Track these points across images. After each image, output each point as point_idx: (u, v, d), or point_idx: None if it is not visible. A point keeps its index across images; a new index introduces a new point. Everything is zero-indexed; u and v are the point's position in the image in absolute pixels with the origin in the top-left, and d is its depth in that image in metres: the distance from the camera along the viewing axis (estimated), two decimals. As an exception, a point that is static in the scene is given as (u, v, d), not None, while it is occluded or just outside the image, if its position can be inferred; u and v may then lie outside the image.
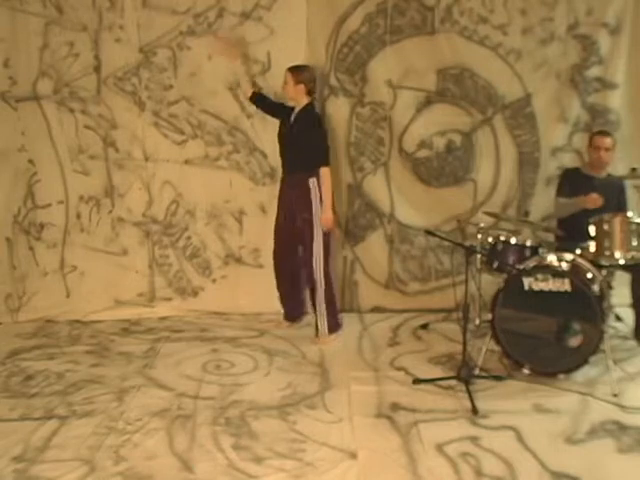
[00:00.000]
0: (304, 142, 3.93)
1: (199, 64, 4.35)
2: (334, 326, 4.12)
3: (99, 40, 4.31)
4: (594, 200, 3.78)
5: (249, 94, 4.26)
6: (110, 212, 4.56)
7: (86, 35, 4.30)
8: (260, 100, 4.26)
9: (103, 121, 4.43)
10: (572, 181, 4.10)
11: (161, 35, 4.32)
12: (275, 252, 4.24)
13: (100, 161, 4.49)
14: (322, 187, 3.92)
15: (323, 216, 3.94)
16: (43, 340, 4.20)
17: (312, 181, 3.93)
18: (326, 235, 4.01)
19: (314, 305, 4.11)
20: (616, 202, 3.98)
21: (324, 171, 3.93)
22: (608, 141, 3.99)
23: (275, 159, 4.38)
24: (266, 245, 4.50)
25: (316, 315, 4.09)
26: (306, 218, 3.97)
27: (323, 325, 4.07)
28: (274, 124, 4.28)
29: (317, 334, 4.09)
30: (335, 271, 4.32)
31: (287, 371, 3.64)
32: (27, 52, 4.31)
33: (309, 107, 4.03)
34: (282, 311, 4.38)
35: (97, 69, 4.36)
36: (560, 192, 4.20)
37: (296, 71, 3.99)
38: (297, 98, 4.02)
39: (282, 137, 4.12)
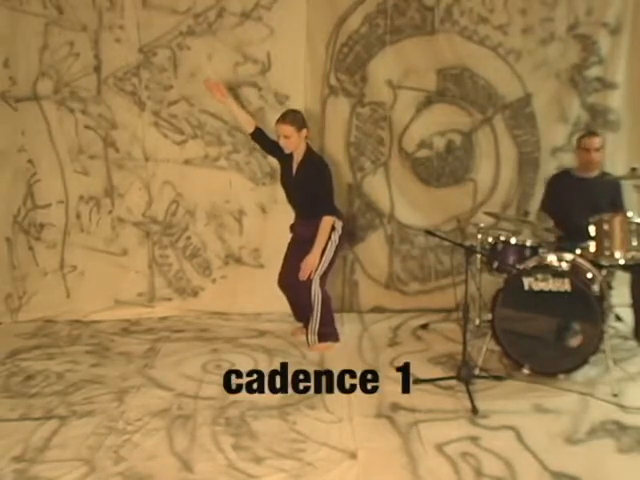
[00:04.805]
0: (310, 193, 3.83)
1: (199, 64, 4.34)
2: (325, 336, 4.00)
3: (99, 40, 4.31)
4: None
5: (251, 129, 4.11)
6: (110, 212, 4.56)
7: (86, 35, 4.30)
8: (261, 136, 4.11)
9: (103, 121, 4.43)
10: (561, 185, 4.11)
11: (161, 35, 4.31)
12: (279, 280, 4.14)
13: (100, 161, 4.49)
14: (320, 233, 3.81)
15: (308, 259, 3.80)
16: (43, 340, 4.20)
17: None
18: (331, 264, 3.95)
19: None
20: (609, 201, 3.96)
21: (326, 220, 3.83)
22: (597, 141, 3.98)
23: (275, 159, 4.38)
24: (266, 245, 4.51)
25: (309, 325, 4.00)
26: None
27: (314, 334, 3.97)
28: (274, 124, 4.28)
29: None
30: (334, 274, 4.28)
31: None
32: (27, 52, 4.31)
33: (312, 156, 3.90)
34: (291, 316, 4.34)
35: (97, 69, 4.36)
36: (544, 205, 4.23)
37: (294, 120, 3.80)
38: (300, 147, 3.89)
39: (286, 185, 4.01)
